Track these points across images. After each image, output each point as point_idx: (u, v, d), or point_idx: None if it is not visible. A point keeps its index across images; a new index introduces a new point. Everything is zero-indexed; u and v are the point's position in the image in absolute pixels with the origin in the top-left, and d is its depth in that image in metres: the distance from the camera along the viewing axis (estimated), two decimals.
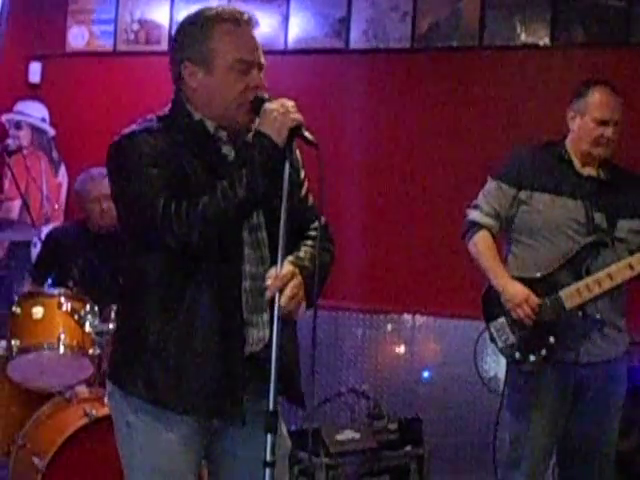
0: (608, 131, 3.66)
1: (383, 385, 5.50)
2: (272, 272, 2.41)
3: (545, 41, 5.42)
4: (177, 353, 2.44)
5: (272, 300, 2.40)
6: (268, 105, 2.42)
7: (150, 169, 2.40)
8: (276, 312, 2.38)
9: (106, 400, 3.78)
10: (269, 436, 2.33)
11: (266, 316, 2.50)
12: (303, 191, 2.65)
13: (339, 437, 4.49)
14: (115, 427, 2.61)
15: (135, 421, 2.51)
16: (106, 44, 6.47)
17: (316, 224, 2.56)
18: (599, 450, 3.68)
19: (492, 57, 5.55)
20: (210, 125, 2.52)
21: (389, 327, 5.66)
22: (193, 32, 2.50)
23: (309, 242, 2.58)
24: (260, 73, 2.51)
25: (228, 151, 2.54)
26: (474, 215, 3.81)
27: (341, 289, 5.58)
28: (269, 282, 2.40)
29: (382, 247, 5.67)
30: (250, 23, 2.51)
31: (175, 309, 2.44)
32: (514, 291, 3.62)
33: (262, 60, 2.52)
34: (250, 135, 2.47)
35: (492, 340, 3.74)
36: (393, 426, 4.70)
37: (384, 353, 5.66)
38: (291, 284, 2.41)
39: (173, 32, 2.63)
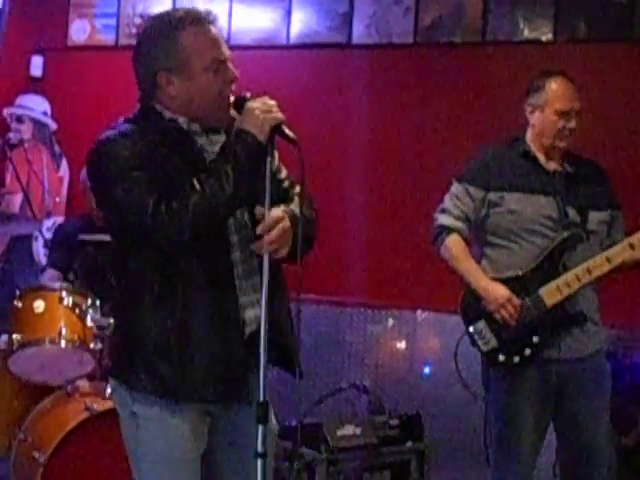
0: (571, 122, 3.63)
1: (384, 380, 5.50)
2: (259, 210, 2.49)
3: (548, 36, 5.41)
4: (178, 345, 2.48)
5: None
6: (250, 104, 2.50)
7: (133, 172, 2.44)
8: (266, 261, 2.45)
9: (109, 393, 3.79)
10: (260, 427, 2.38)
11: (259, 295, 2.53)
12: (283, 174, 2.72)
13: (340, 432, 4.48)
14: (120, 419, 2.63)
15: (140, 411, 2.54)
16: (108, 38, 6.47)
17: (295, 190, 2.66)
18: (594, 444, 3.63)
19: (495, 52, 5.54)
20: (182, 122, 2.57)
21: (390, 322, 5.66)
22: (161, 42, 2.55)
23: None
24: (230, 66, 2.57)
25: (205, 143, 2.59)
26: (443, 219, 3.74)
27: (343, 284, 5.59)
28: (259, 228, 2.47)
29: (384, 243, 5.66)
30: (212, 20, 2.58)
31: (171, 303, 2.49)
32: (496, 293, 3.57)
33: (228, 54, 2.57)
34: (232, 132, 2.53)
35: (473, 344, 3.68)
36: (394, 422, 4.69)
37: (385, 348, 5.66)
38: (279, 225, 2.47)
39: (139, 41, 2.64)
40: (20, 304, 4.19)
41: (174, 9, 2.65)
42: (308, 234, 2.56)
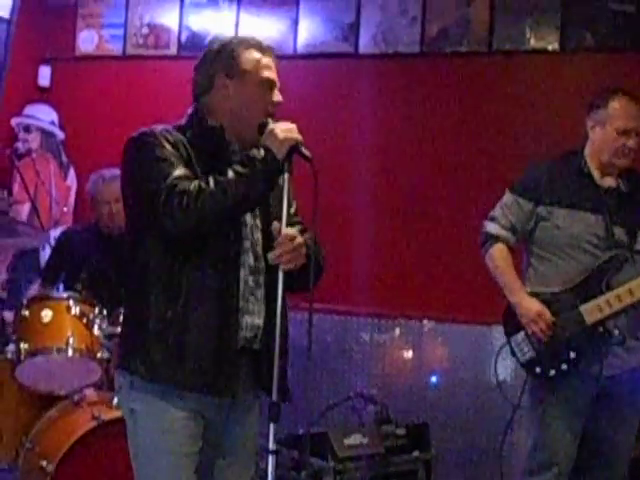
0: (631, 141, 3.66)
1: (391, 390, 5.49)
2: (275, 225, 2.68)
3: (554, 46, 5.42)
4: (176, 335, 2.63)
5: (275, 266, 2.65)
6: (272, 125, 2.72)
7: (161, 162, 2.63)
8: (280, 277, 2.64)
9: (115, 402, 3.80)
10: (272, 425, 2.54)
11: (261, 306, 2.75)
12: (293, 209, 2.90)
13: (347, 441, 4.48)
14: (125, 420, 2.77)
15: (137, 407, 2.70)
16: (115, 48, 6.49)
17: (306, 235, 2.79)
18: (618, 456, 3.70)
19: (501, 62, 5.54)
20: (228, 134, 2.78)
21: (397, 332, 5.66)
22: (225, 52, 2.81)
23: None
24: (278, 92, 2.83)
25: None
26: (491, 227, 3.80)
27: (349, 294, 5.59)
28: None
29: (391, 252, 5.66)
30: (270, 51, 2.86)
31: (174, 296, 2.65)
32: (528, 307, 3.64)
33: (278, 83, 2.84)
34: (255, 149, 2.77)
35: (513, 354, 3.76)
36: (401, 431, 4.69)
37: (392, 358, 5.66)
38: (294, 240, 2.64)
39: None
40: (27, 313, 4.19)
41: (241, 35, 2.98)
42: (319, 266, 2.78)
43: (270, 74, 2.81)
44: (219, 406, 2.72)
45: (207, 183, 2.59)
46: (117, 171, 2.88)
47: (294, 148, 2.68)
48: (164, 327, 2.63)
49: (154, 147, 2.66)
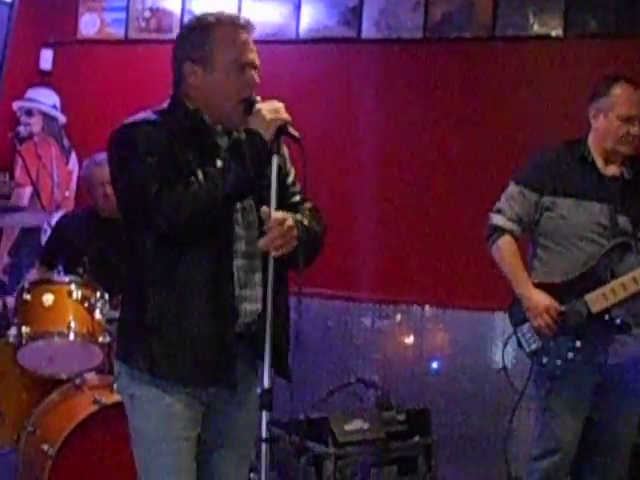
0: (634, 128, 3.66)
1: (392, 375, 5.50)
2: (264, 209, 2.58)
3: (558, 32, 5.40)
4: (173, 327, 2.61)
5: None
6: (259, 106, 2.63)
7: (147, 157, 2.57)
8: (271, 262, 2.58)
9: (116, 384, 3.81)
10: (264, 413, 2.52)
11: (258, 291, 2.69)
12: (290, 179, 2.84)
13: (347, 427, 4.48)
14: (125, 406, 2.76)
15: (137, 392, 2.69)
16: (118, 32, 6.47)
17: (305, 205, 2.79)
18: (620, 442, 3.74)
19: (505, 48, 5.53)
20: (207, 117, 2.70)
21: (398, 317, 5.67)
22: (194, 36, 2.70)
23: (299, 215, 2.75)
24: (255, 73, 2.70)
25: (223, 143, 2.71)
26: (497, 219, 3.80)
27: (351, 279, 5.59)
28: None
29: (392, 238, 5.66)
30: (247, 27, 2.71)
31: (170, 287, 2.62)
32: (535, 300, 3.65)
33: (257, 61, 2.71)
34: (242, 132, 2.67)
35: (519, 345, 3.77)
36: (402, 416, 4.69)
37: (393, 343, 5.66)
38: (283, 224, 2.56)
39: (184, 20, 2.74)
40: (29, 297, 4.19)
41: (215, 11, 2.77)
42: (313, 246, 2.72)
43: (242, 53, 2.67)
44: (218, 392, 2.70)
45: (196, 176, 2.54)
46: None
47: (282, 129, 2.61)
48: (160, 320, 2.61)
49: (137, 145, 2.58)
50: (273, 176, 2.58)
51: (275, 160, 2.60)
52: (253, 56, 2.70)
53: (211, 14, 2.73)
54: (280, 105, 2.64)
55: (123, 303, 2.87)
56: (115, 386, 3.71)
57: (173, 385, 2.64)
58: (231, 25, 2.69)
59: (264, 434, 2.51)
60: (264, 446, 2.51)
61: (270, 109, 2.61)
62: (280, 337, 2.67)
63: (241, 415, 2.77)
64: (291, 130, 2.63)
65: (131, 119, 2.67)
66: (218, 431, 2.77)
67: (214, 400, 2.72)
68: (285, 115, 2.63)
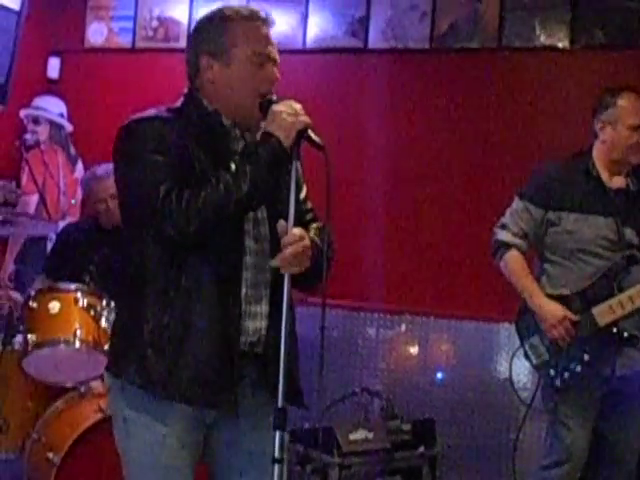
0: None
1: (397, 385, 5.49)
2: (282, 224, 2.38)
3: (564, 43, 5.41)
4: (173, 342, 2.41)
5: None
6: (276, 106, 2.44)
7: (155, 156, 2.40)
8: (287, 281, 2.38)
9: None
10: (277, 433, 2.30)
11: (264, 308, 2.50)
12: (303, 194, 2.67)
13: (352, 437, 4.48)
14: (113, 423, 2.58)
15: (131, 416, 2.49)
16: (125, 41, 6.50)
17: (315, 225, 2.60)
18: (627, 452, 3.76)
19: (511, 58, 5.54)
20: (225, 118, 2.53)
21: (403, 327, 5.66)
22: (211, 28, 2.55)
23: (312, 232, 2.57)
24: (275, 68, 2.54)
25: (239, 147, 2.54)
26: (502, 235, 3.80)
27: (356, 289, 5.59)
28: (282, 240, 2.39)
29: (397, 248, 5.66)
30: (266, 21, 2.56)
31: (172, 298, 2.41)
32: (551, 311, 3.65)
33: (277, 56, 2.55)
34: (258, 134, 2.47)
35: (527, 357, 3.78)
36: (406, 427, 4.69)
37: (398, 353, 5.66)
38: (300, 243, 2.38)
39: (192, 29, 2.66)
40: (35, 305, 4.19)
41: (235, 5, 2.62)
42: (320, 271, 2.44)
43: (259, 46, 2.50)
44: (221, 414, 2.50)
45: (208, 180, 2.35)
46: (110, 166, 2.59)
47: (302, 133, 2.40)
48: (160, 334, 2.40)
49: (146, 142, 2.41)
50: (292, 185, 2.37)
51: (295, 167, 2.41)
52: (273, 50, 2.53)
53: (230, 7, 2.58)
54: (299, 106, 2.44)
55: (118, 309, 2.67)
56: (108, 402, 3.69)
57: (171, 406, 2.43)
58: (251, 18, 2.53)
59: (277, 454, 2.29)
60: (277, 467, 2.29)
61: (290, 112, 2.41)
62: (291, 361, 2.43)
63: (252, 439, 2.54)
64: (312, 135, 2.42)
65: (141, 114, 2.51)
66: (227, 458, 2.57)
67: (219, 422, 2.52)
68: (305, 117, 2.42)
